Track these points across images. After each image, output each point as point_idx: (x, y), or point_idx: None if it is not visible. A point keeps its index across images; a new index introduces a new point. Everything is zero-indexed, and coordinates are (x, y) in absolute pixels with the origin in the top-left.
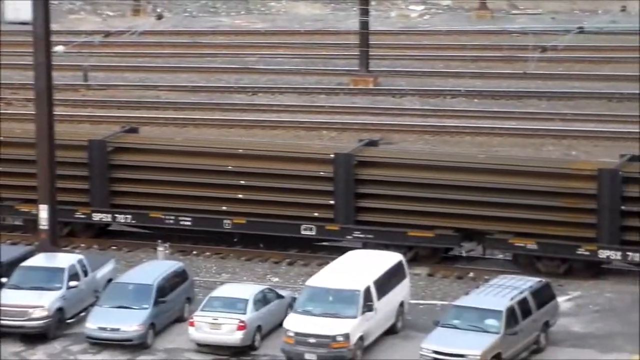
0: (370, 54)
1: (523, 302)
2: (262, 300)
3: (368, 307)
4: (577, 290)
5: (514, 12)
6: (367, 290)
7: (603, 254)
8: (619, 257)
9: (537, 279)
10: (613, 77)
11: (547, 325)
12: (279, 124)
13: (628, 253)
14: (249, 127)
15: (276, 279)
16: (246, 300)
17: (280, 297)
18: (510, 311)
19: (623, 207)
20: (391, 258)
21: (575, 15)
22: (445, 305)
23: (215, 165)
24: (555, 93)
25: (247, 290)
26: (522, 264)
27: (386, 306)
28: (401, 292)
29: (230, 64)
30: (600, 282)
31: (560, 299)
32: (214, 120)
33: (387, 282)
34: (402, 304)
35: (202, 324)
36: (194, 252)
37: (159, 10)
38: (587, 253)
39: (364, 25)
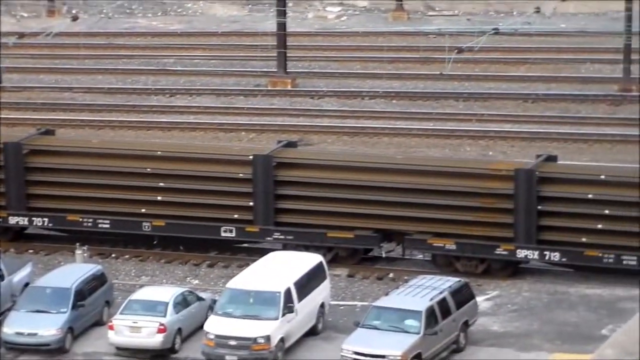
0: (287, 55)
1: (442, 302)
2: (182, 302)
3: (289, 308)
4: (495, 289)
5: (430, 13)
6: (288, 292)
7: (521, 253)
8: (536, 257)
9: (456, 279)
10: (528, 78)
11: (466, 324)
12: (198, 126)
13: (545, 252)
14: (167, 129)
15: (196, 282)
16: (166, 303)
17: (200, 299)
18: (430, 311)
19: (539, 207)
20: (311, 259)
21: (490, 16)
22: (365, 306)
23: (133, 167)
24: (471, 94)
25: (167, 292)
26: (441, 264)
27: (307, 307)
28: (321, 293)
29: (147, 66)
30: (518, 281)
31: (479, 299)
32: (132, 123)
33: (307, 283)
34: (322, 305)
35: (122, 327)
36: (113, 255)
37: (74, 11)
38: (505, 253)
39: (281, 26)
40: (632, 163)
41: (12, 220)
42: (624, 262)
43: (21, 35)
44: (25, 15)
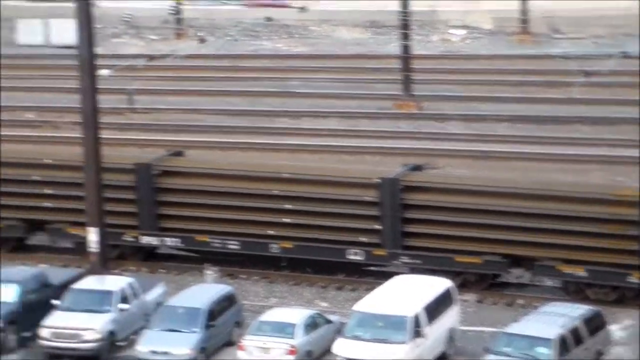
0: (412, 78)
1: (574, 330)
2: (312, 324)
3: (418, 333)
4: (629, 318)
5: (555, 36)
6: (417, 316)
7: None
8: None
9: (589, 307)
10: None
11: (599, 354)
12: (323, 149)
13: None
14: (294, 151)
15: (324, 304)
16: (295, 325)
17: (328, 322)
18: (562, 339)
19: None
20: (440, 284)
21: (618, 39)
22: (495, 332)
23: (261, 189)
24: (599, 118)
25: (297, 314)
26: (572, 291)
27: (436, 332)
28: (451, 318)
29: (273, 88)
30: None
31: (612, 328)
32: (259, 144)
33: (436, 307)
34: (451, 331)
35: (252, 348)
36: (242, 276)
37: (201, 34)
38: (636, 281)
39: (406, 49)
40: None
41: (144, 240)
42: None
43: (151, 57)
44: (154, 38)
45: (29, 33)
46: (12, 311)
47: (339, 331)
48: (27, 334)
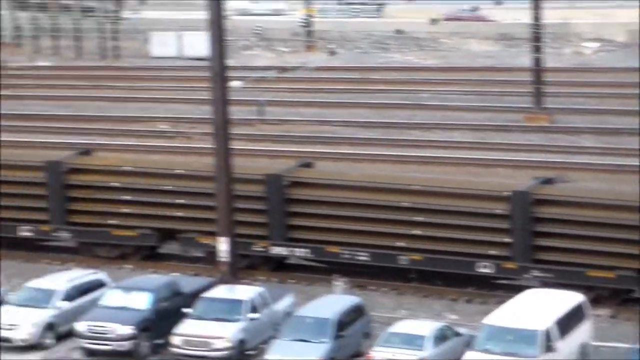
0: (544, 91)
1: None
2: (441, 337)
3: (549, 347)
4: None
5: None
6: (548, 330)
7: None
8: None
9: None
10: None
11: None
12: (453, 161)
13: None
14: (423, 163)
15: (454, 316)
16: (425, 337)
17: (458, 334)
18: None
19: None
20: (572, 298)
21: None
22: (629, 348)
23: (390, 200)
24: None
25: (426, 326)
26: None
27: (568, 347)
28: (583, 333)
29: (403, 100)
30: None
31: None
32: (388, 156)
33: (568, 322)
34: (584, 346)
35: (381, 359)
36: (371, 287)
37: (331, 46)
38: None
39: (538, 61)
40: None
41: (274, 250)
42: None
43: (281, 69)
44: (285, 50)
45: (162, 45)
46: (145, 319)
47: (468, 344)
48: (159, 342)
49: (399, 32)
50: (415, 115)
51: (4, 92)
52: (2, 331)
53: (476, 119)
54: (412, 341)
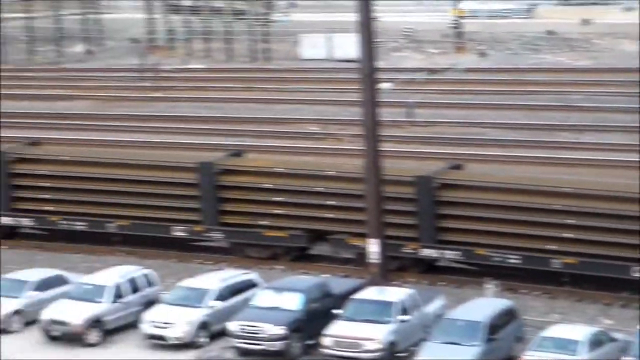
0: None
1: None
2: (595, 342)
3: None
4: None
5: None
6: None
7: None
8: None
9: None
10: None
11: None
12: (605, 163)
13: None
14: (573, 165)
15: (609, 321)
16: (579, 342)
17: (613, 340)
18: None
19: None
20: None
21: None
22: None
23: (541, 203)
24: None
25: (580, 331)
26: None
27: None
28: None
29: (554, 102)
30: None
31: None
32: (537, 158)
33: None
34: None
35: None
36: (523, 291)
37: (481, 47)
38: None
39: None
40: None
41: (424, 252)
42: None
43: (431, 70)
44: (434, 51)
45: (312, 47)
46: (296, 319)
47: (624, 350)
48: (310, 342)
49: (550, 32)
50: (566, 117)
51: (157, 94)
52: (157, 329)
53: (630, 121)
54: (565, 346)
